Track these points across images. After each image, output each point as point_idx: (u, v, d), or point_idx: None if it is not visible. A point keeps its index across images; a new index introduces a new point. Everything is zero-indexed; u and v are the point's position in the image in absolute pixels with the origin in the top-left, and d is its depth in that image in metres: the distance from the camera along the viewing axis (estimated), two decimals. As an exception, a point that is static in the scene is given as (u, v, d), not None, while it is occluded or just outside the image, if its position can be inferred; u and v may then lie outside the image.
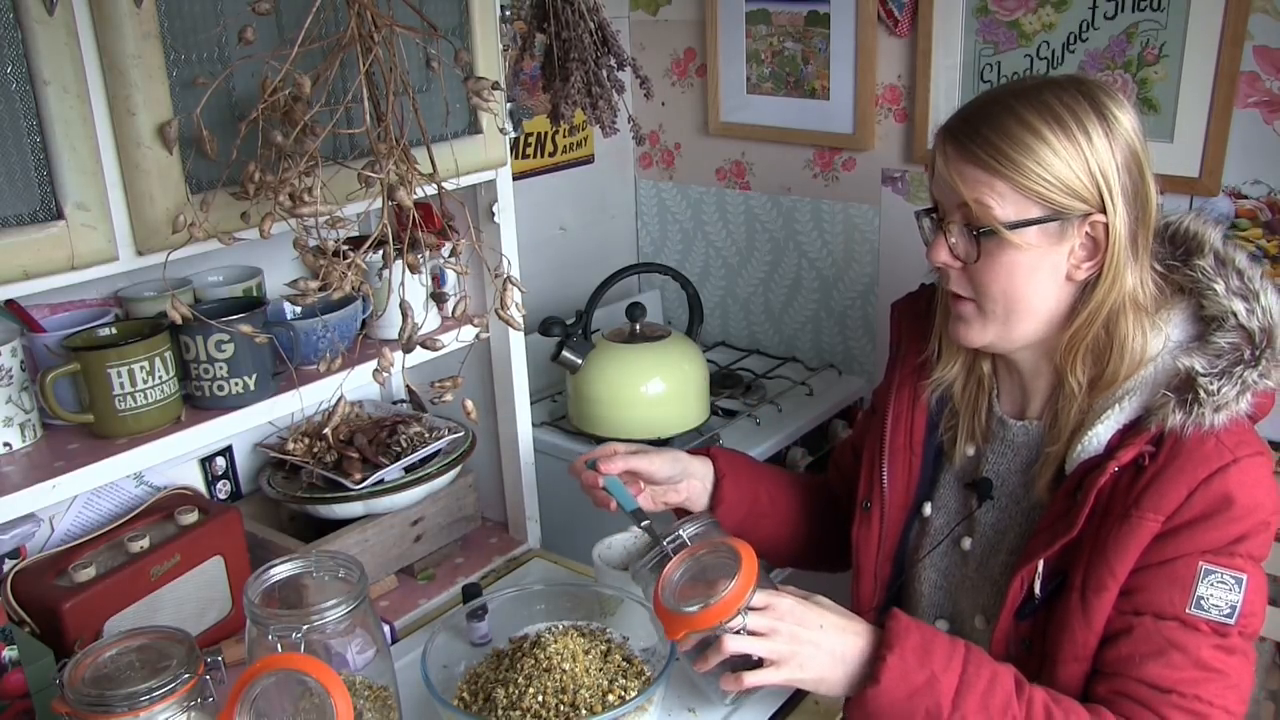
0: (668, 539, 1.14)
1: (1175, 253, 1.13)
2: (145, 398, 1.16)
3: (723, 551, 1.09)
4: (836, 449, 1.51)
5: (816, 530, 1.40)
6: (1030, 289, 1.08)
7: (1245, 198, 1.71)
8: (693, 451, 1.36)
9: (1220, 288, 1.07)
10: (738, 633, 1.03)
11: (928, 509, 1.26)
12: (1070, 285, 1.09)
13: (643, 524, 1.24)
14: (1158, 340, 1.08)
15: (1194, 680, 1.01)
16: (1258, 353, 1.04)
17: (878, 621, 1.06)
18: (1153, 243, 1.12)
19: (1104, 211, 1.04)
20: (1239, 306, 1.06)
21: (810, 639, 1.03)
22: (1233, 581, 1.02)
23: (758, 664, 1.04)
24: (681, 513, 1.35)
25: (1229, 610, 1.02)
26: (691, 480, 1.33)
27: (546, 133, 2.25)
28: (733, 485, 1.33)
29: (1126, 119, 1.05)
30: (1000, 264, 1.08)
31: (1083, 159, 1.03)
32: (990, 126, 1.05)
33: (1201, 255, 1.10)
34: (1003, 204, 1.05)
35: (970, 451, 1.23)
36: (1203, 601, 1.02)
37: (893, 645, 1.01)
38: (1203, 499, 1.01)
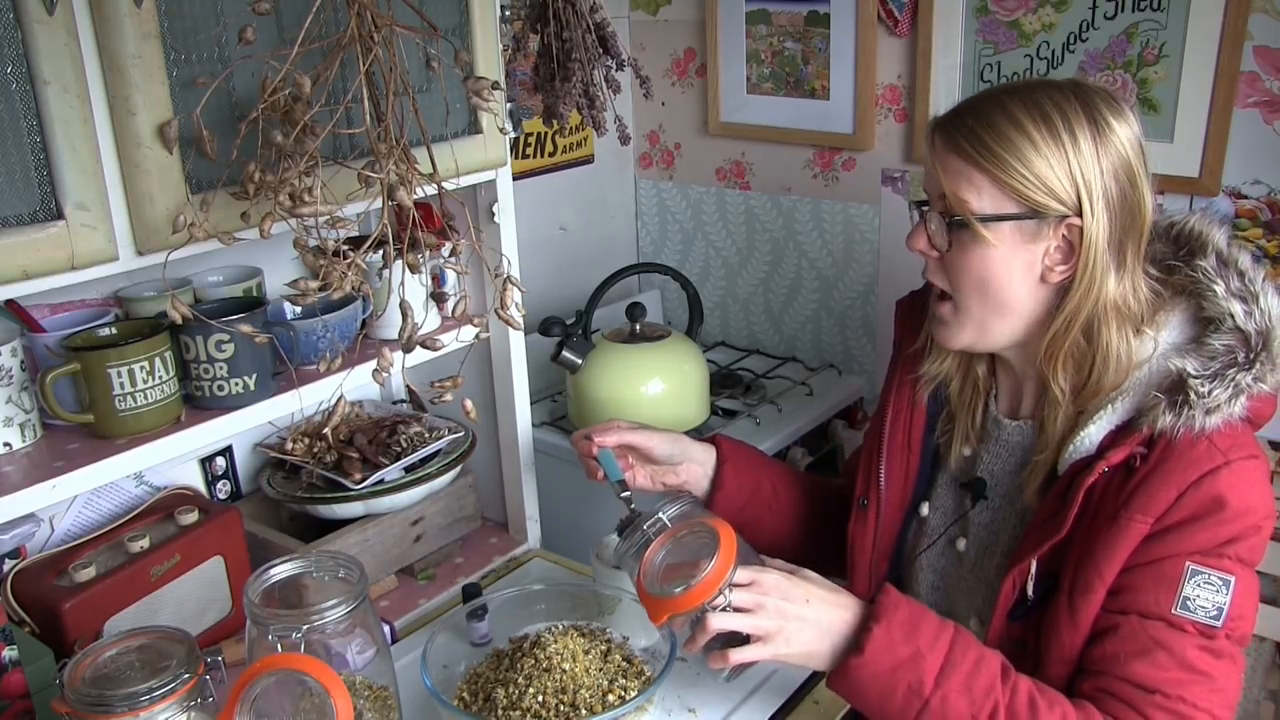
0: (648, 523, 1.13)
1: (1178, 252, 1.12)
2: (145, 398, 1.16)
3: (701, 531, 1.09)
4: (851, 455, 1.51)
5: (820, 529, 1.39)
6: (1002, 285, 1.08)
7: (1245, 198, 1.71)
8: (699, 438, 1.36)
9: (1220, 289, 1.06)
10: (723, 610, 1.02)
11: (925, 509, 1.26)
12: (1046, 287, 1.09)
13: (623, 495, 1.25)
14: (1147, 346, 1.07)
15: (1179, 681, 1.00)
16: (1253, 355, 1.03)
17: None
18: (1156, 243, 1.12)
19: (1080, 215, 1.04)
20: (1237, 308, 1.05)
21: (796, 613, 1.02)
22: (1220, 583, 1.01)
23: (746, 640, 1.03)
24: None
25: (1216, 612, 1.01)
26: (691, 465, 1.34)
27: (546, 133, 2.25)
28: (734, 471, 1.33)
29: (1123, 129, 1.05)
30: (972, 256, 1.08)
31: (1065, 160, 1.03)
32: (977, 119, 1.06)
33: (1204, 255, 1.09)
34: (979, 197, 1.05)
35: (966, 452, 1.24)
36: (1189, 602, 1.01)
37: (880, 618, 1.01)
38: (1192, 501, 1.00)
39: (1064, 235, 1.06)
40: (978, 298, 1.10)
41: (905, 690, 0.99)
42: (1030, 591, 1.09)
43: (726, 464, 1.33)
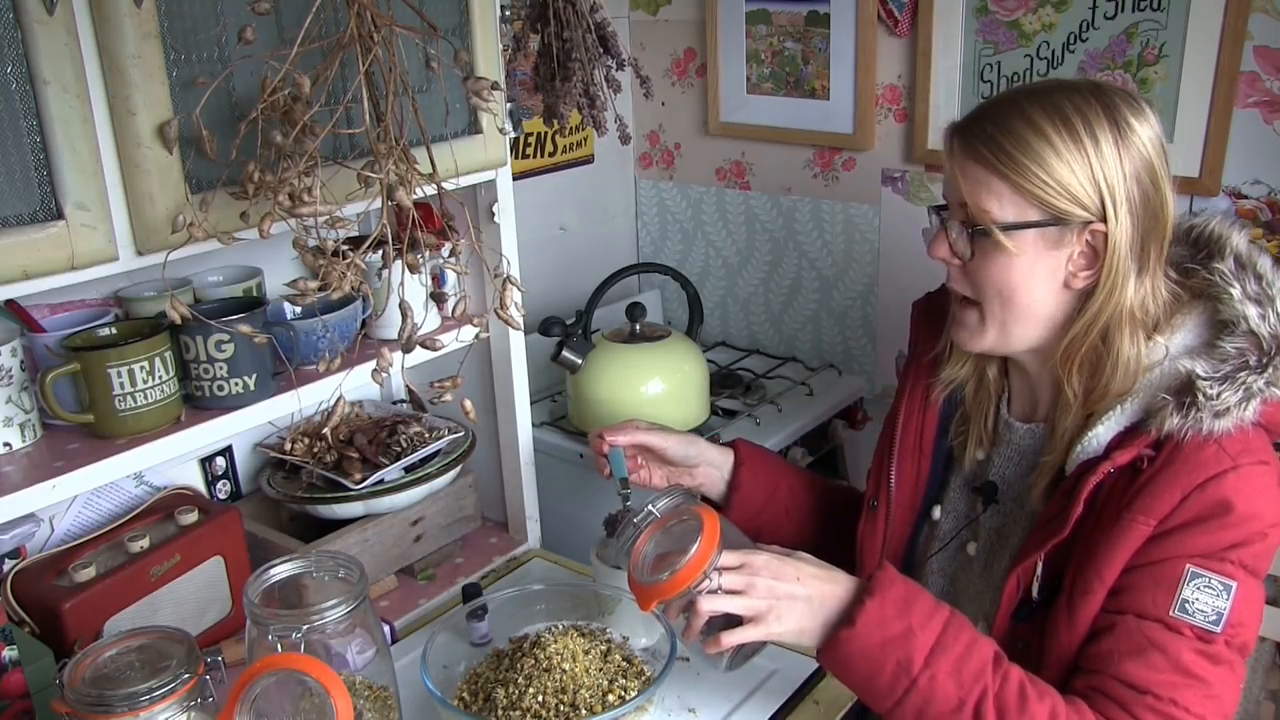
0: (639, 516, 1.14)
1: (1197, 255, 1.11)
2: (145, 398, 1.16)
3: (688, 518, 1.09)
4: None
5: (837, 534, 1.38)
6: (1026, 292, 1.08)
7: (1245, 198, 1.71)
8: (719, 443, 1.36)
9: (1236, 291, 1.05)
10: (713, 593, 1.02)
11: (936, 513, 1.25)
12: (1069, 292, 1.08)
13: (621, 493, 1.26)
14: (1158, 350, 1.07)
15: (1172, 684, 0.99)
16: (1265, 360, 1.02)
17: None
18: (1175, 245, 1.11)
19: (1105, 221, 1.03)
20: (1251, 311, 1.04)
21: (787, 591, 1.02)
22: (1221, 588, 0.99)
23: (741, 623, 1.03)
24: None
25: (1215, 617, 0.99)
26: (708, 468, 1.34)
27: (546, 133, 2.25)
28: (750, 473, 1.33)
29: (1145, 130, 1.04)
30: (995, 264, 1.07)
31: (1087, 165, 1.02)
32: (996, 125, 1.04)
33: (1222, 258, 1.08)
34: (1001, 205, 1.05)
35: (980, 456, 1.23)
36: (1187, 605, 1.00)
37: (874, 592, 1.00)
38: (1197, 503, 0.99)
39: (1087, 241, 1.05)
40: (1001, 304, 1.09)
41: (894, 667, 0.98)
42: (1035, 593, 1.08)
43: (744, 467, 1.33)
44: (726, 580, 1.02)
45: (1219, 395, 1.00)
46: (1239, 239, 1.10)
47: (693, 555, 1.03)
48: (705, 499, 1.39)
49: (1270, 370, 1.01)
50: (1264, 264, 1.07)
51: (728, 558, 1.04)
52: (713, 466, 1.34)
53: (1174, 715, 0.99)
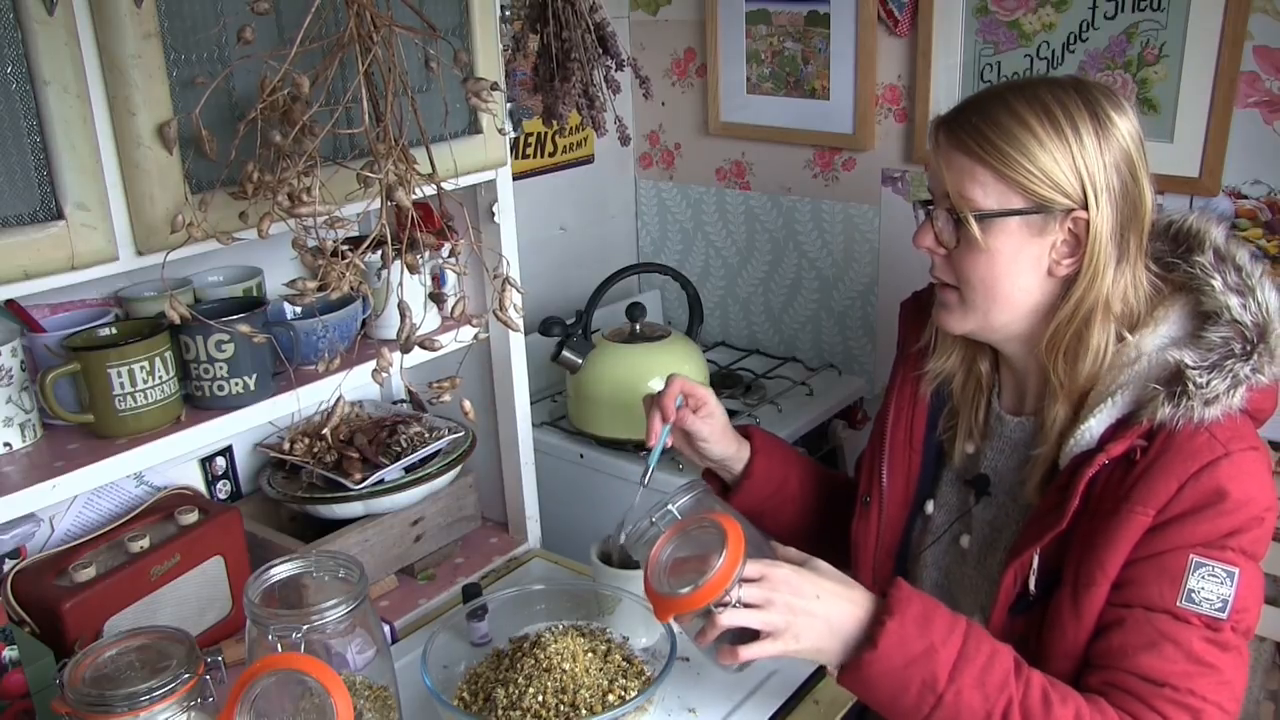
0: (657, 514, 1.12)
1: (1177, 250, 1.13)
2: (145, 398, 1.16)
3: (709, 526, 1.07)
4: (860, 455, 1.51)
5: (835, 525, 1.38)
6: (1009, 279, 1.09)
7: (1245, 198, 1.71)
8: (736, 427, 1.37)
9: (1217, 283, 1.07)
10: (732, 606, 1.01)
11: (929, 507, 1.26)
12: (1052, 280, 1.10)
13: (644, 482, 1.25)
14: (1145, 342, 1.08)
15: (1187, 674, 1.00)
16: (1250, 347, 1.04)
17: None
18: (1155, 241, 1.13)
19: (1086, 208, 1.05)
20: (1233, 301, 1.06)
21: (806, 609, 1.01)
22: (1224, 575, 1.01)
23: (756, 635, 1.02)
24: (707, 474, 1.38)
25: (1220, 604, 1.01)
26: (731, 462, 1.34)
27: (546, 133, 2.25)
28: (765, 461, 1.33)
29: (1124, 123, 1.06)
30: (980, 252, 1.08)
31: (1069, 154, 1.04)
32: (981, 116, 1.07)
33: (1201, 252, 1.11)
34: (985, 193, 1.06)
35: (970, 449, 1.24)
36: (1193, 594, 1.01)
37: (893, 612, 1.00)
38: (1193, 492, 1.01)
39: (1069, 229, 1.07)
40: (984, 291, 1.11)
41: (919, 686, 0.99)
42: (1032, 586, 1.09)
43: (759, 456, 1.34)
44: (745, 594, 1.01)
45: (1208, 383, 1.02)
46: (1217, 232, 1.12)
47: (715, 573, 1.00)
48: (713, 489, 1.40)
49: (1255, 357, 1.03)
50: (1243, 256, 1.10)
51: (748, 569, 1.03)
52: (731, 462, 1.35)
53: (1193, 705, 1.00)
